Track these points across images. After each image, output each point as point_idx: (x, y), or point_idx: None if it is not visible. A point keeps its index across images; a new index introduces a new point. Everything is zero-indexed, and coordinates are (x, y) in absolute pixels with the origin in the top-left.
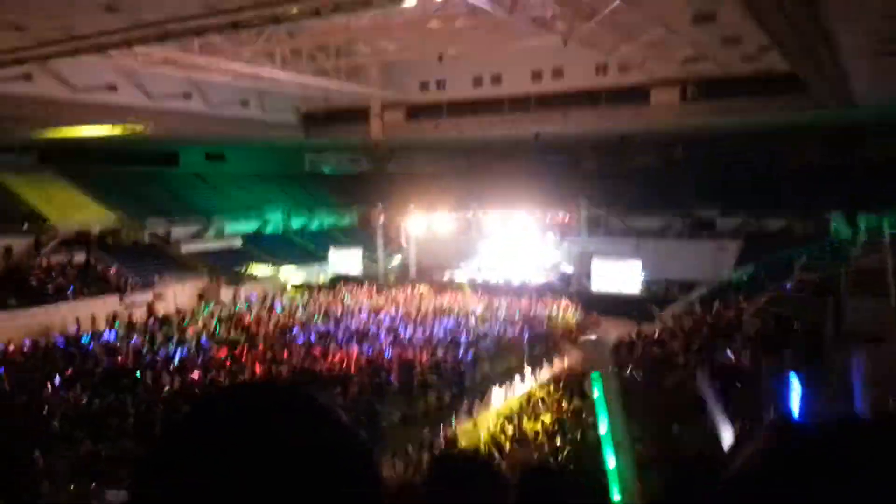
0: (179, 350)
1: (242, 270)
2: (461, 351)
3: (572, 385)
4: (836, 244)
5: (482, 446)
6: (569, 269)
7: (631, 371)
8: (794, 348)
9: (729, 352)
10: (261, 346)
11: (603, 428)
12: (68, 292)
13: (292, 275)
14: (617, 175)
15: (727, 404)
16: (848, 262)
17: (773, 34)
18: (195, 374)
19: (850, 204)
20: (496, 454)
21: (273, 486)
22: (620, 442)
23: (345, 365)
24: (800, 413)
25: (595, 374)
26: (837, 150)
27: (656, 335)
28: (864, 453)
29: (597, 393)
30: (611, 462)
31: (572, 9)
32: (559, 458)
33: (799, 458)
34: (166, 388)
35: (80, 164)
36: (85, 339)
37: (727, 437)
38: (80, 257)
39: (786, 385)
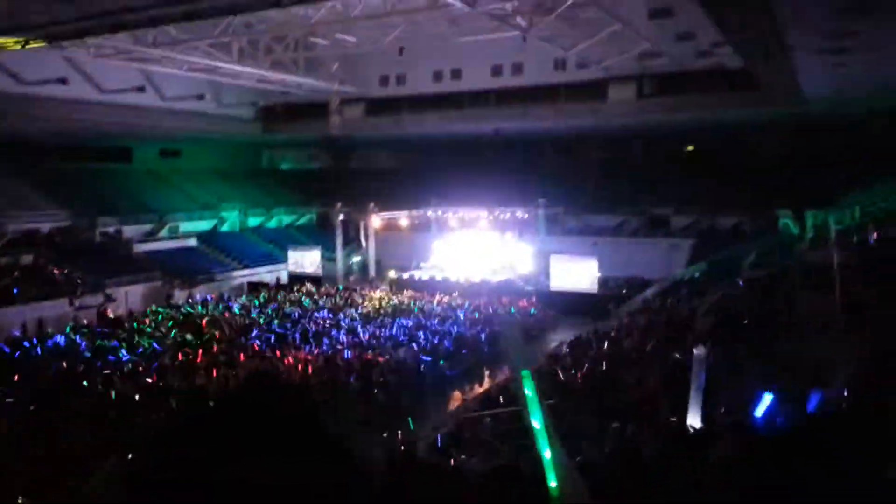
0: (131, 355)
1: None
2: (420, 351)
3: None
4: (784, 241)
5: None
6: (528, 267)
7: (589, 368)
8: (746, 344)
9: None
10: (214, 349)
11: (537, 423)
12: (14, 294)
13: (249, 275)
14: (575, 172)
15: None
16: (796, 259)
17: (726, 29)
18: (148, 379)
19: (798, 201)
20: (455, 455)
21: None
22: (551, 434)
23: (302, 367)
24: (759, 415)
25: (525, 372)
26: (789, 146)
27: (612, 333)
28: (822, 455)
29: (529, 392)
30: (546, 454)
31: (532, 4)
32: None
33: (761, 463)
34: (117, 393)
35: (28, 159)
36: (31, 344)
37: (695, 419)
38: (28, 258)
39: (750, 390)
